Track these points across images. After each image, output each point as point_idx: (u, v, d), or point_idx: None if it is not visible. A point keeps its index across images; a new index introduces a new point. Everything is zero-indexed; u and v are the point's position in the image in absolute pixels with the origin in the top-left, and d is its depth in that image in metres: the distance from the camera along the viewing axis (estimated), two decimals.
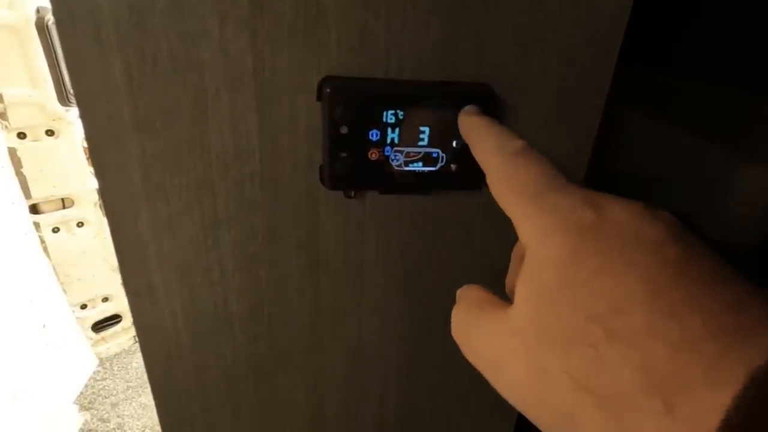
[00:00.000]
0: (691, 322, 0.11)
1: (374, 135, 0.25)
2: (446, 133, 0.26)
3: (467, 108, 0.25)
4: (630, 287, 0.13)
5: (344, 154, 0.26)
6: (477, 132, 0.22)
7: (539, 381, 0.14)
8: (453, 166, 0.27)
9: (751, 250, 0.37)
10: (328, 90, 0.24)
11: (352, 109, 0.25)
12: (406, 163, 0.26)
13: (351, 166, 0.26)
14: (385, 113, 0.25)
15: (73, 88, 0.24)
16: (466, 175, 0.27)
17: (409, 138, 0.26)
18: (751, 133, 0.37)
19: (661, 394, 0.11)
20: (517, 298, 0.16)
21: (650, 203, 0.15)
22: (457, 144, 0.26)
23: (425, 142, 0.26)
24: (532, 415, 0.15)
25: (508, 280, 0.22)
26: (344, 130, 0.25)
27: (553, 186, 0.17)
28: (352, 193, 0.28)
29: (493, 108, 0.26)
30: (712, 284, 0.12)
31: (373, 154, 0.26)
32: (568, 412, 0.13)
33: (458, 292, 0.21)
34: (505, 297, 0.23)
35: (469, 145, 0.23)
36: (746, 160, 0.37)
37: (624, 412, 0.12)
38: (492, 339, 0.16)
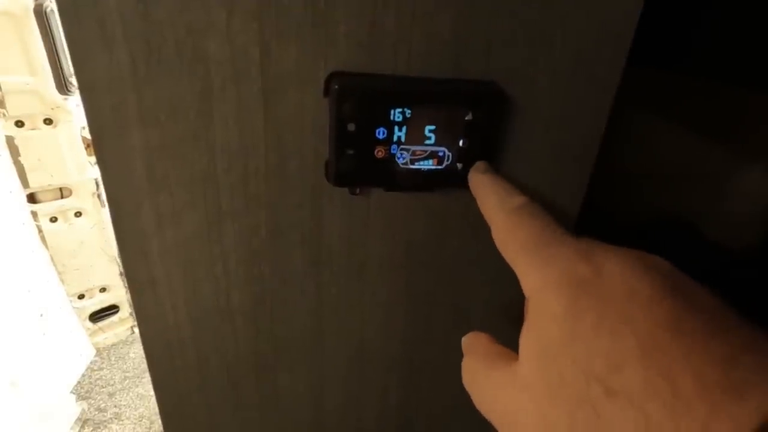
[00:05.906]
0: (684, 381, 0.11)
1: (381, 133, 0.25)
2: (453, 131, 0.26)
3: (477, 164, 0.26)
4: (626, 344, 0.13)
5: (351, 152, 0.25)
6: (482, 189, 0.24)
7: None
8: (459, 165, 0.27)
9: (753, 250, 0.37)
10: (336, 86, 0.24)
11: (360, 106, 0.24)
12: (413, 162, 0.26)
13: (357, 164, 0.26)
14: (392, 111, 0.25)
15: (76, 78, 0.23)
16: None
17: (416, 136, 0.26)
18: (754, 132, 0.37)
19: None
20: (522, 353, 0.16)
21: (645, 252, 0.16)
22: (463, 143, 0.26)
23: (432, 141, 0.26)
24: None
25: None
26: (351, 127, 0.25)
27: (550, 240, 0.18)
28: (357, 190, 0.28)
29: (500, 106, 0.26)
30: (707, 337, 0.12)
31: (380, 152, 0.26)
32: None
33: (464, 341, 0.22)
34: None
35: (477, 200, 0.24)
36: (748, 159, 0.37)
37: None
38: (502, 395, 0.17)
